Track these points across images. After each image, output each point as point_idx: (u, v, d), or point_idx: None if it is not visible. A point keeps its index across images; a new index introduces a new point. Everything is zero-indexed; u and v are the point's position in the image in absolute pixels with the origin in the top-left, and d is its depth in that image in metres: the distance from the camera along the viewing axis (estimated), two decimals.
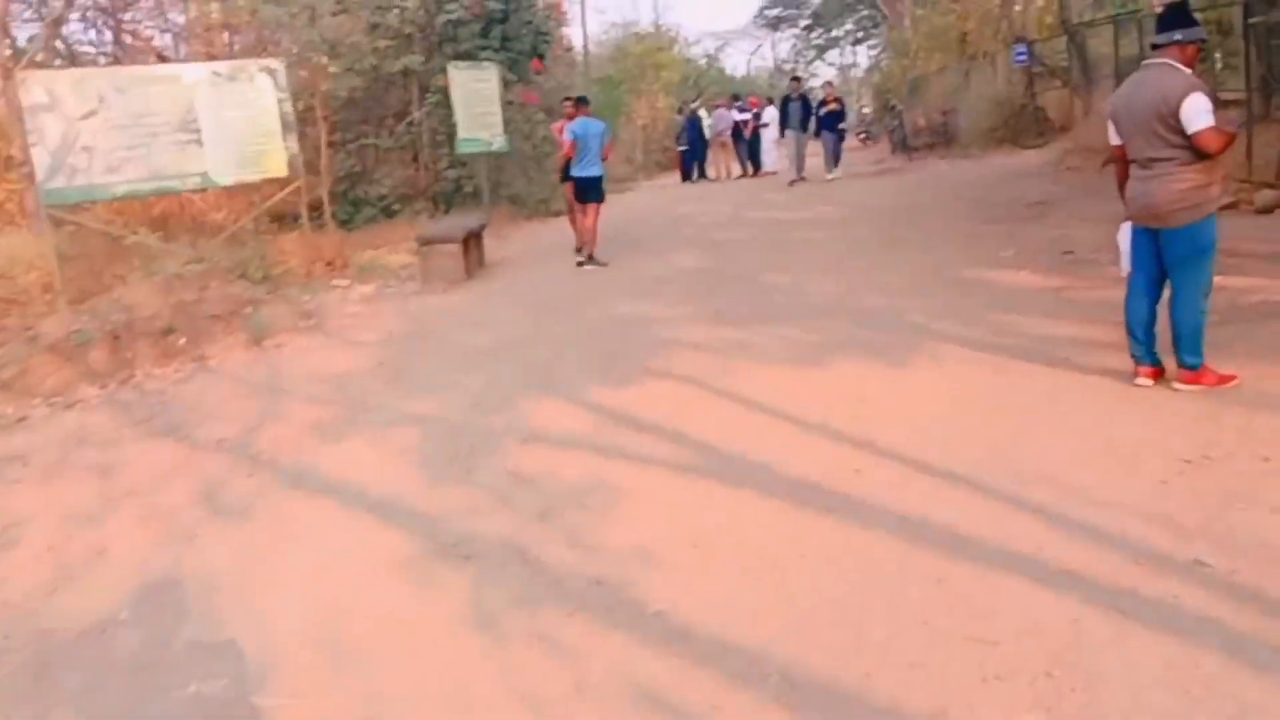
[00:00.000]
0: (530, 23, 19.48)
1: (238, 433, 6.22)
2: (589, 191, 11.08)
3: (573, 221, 11.66)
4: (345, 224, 17.52)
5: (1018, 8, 20.13)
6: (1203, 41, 4.79)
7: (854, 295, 8.11)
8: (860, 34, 45.44)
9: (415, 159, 17.92)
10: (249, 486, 5.25)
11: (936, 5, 23.19)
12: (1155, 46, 4.80)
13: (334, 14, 18.91)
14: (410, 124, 17.58)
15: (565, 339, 7.80)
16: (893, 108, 23.27)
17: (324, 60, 18.27)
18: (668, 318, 8.10)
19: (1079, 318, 6.47)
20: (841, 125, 18.79)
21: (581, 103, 11.52)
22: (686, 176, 22.60)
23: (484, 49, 18.82)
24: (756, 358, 6.52)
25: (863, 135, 30.86)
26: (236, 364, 8.06)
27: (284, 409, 6.62)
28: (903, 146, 21.53)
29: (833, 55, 49.60)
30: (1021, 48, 18.13)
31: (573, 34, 29.28)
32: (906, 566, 3.57)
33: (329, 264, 13.53)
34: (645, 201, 18.98)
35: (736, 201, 16.17)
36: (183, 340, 8.59)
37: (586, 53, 26.02)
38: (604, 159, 11.21)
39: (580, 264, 11.09)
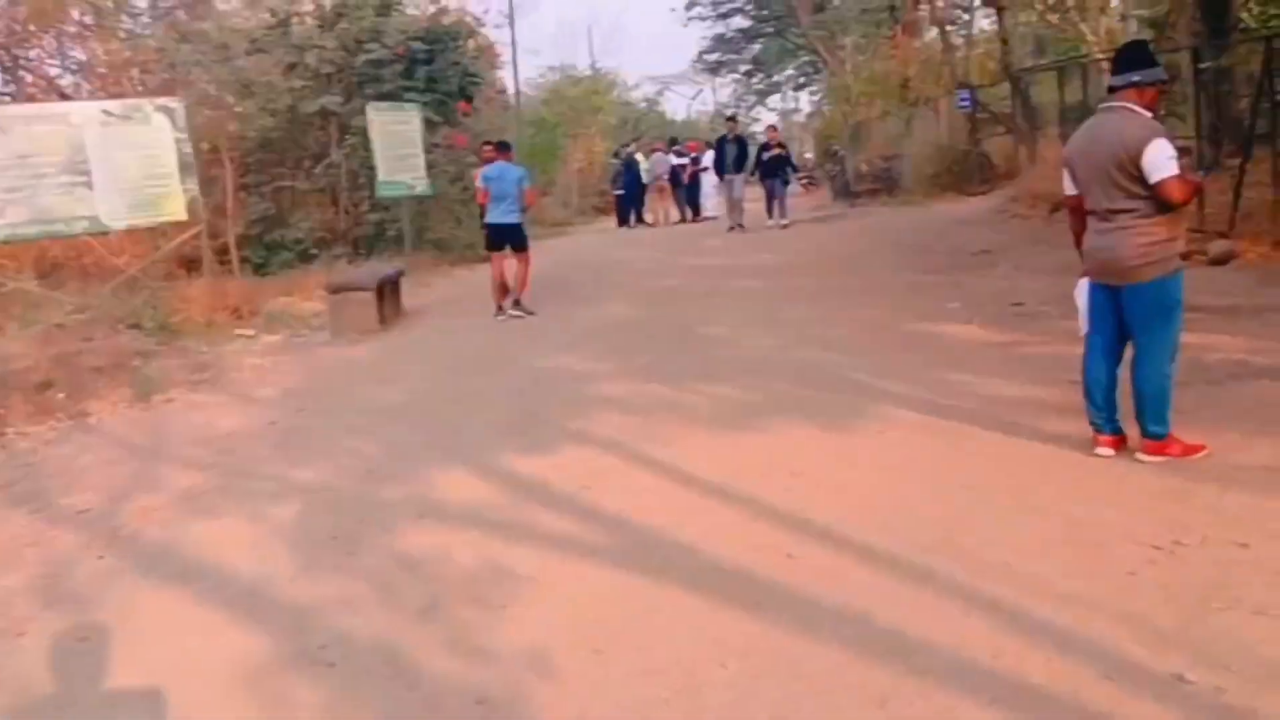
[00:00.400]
0: (458, 64, 19.03)
1: (102, 502, 5.53)
2: (504, 239, 10.52)
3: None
4: (260, 269, 16.80)
5: (959, 54, 20.21)
6: (1163, 83, 4.41)
7: (793, 349, 7.65)
8: (802, 79, 45.84)
9: (335, 202, 17.26)
10: (97, 571, 4.56)
11: (877, 51, 23.23)
12: (1112, 89, 4.40)
13: (249, 53, 18.32)
14: (329, 166, 16.95)
15: (479, 397, 7.21)
16: (834, 153, 23.19)
17: (231, 100, 17.67)
18: (593, 373, 7.56)
19: (1032, 377, 6.05)
20: (789, 169, 17.99)
21: (503, 147, 10.99)
22: (623, 221, 22.22)
23: (408, 90, 18.32)
24: (685, 419, 5.99)
25: (805, 181, 30.79)
26: (118, 422, 7.34)
27: (159, 475, 5.94)
28: (845, 192, 21.38)
29: (774, 100, 50.02)
30: (965, 93, 18.10)
31: (506, 76, 29.02)
32: (845, 681, 3.02)
33: (234, 312, 12.82)
34: (580, 246, 18.52)
35: (673, 248, 15.77)
36: (61, 395, 7.83)
37: (519, 95, 25.65)
38: (525, 207, 10.65)
39: (500, 315, 10.50)
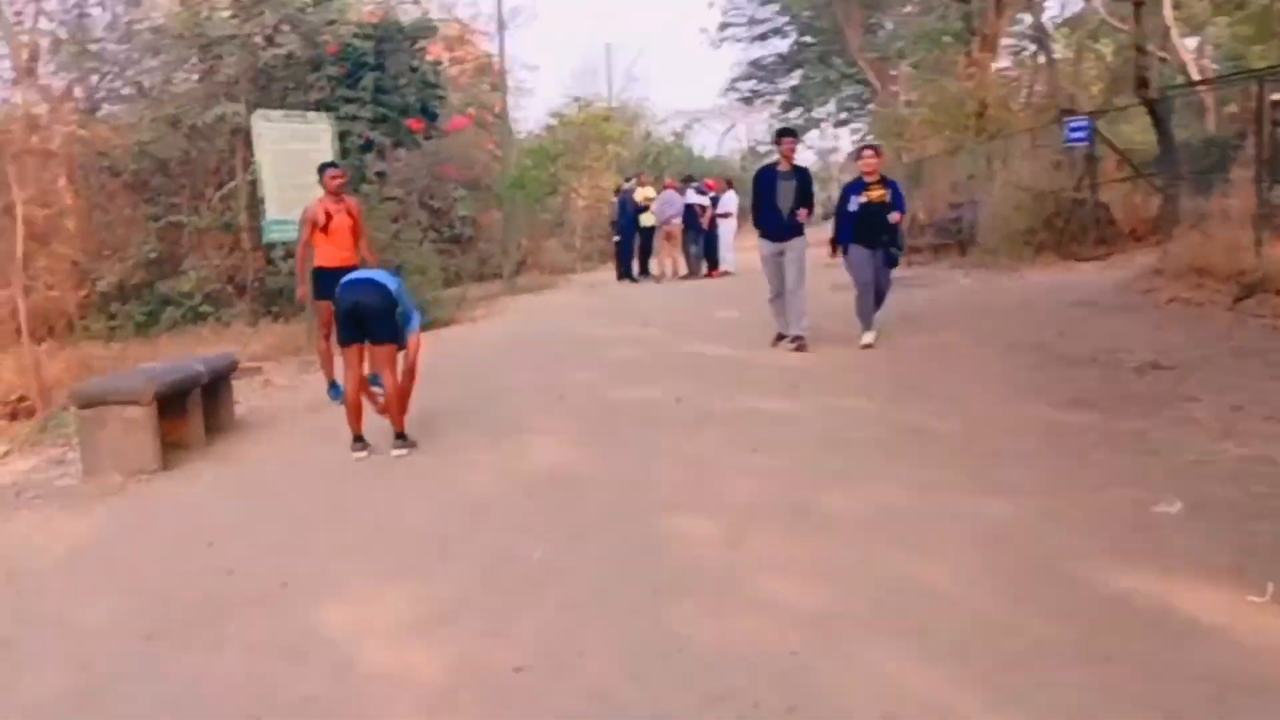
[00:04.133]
0: (416, 69, 14.95)
1: None
2: (362, 318, 6.27)
3: (327, 367, 6.86)
4: (142, 329, 12.83)
5: (1069, 69, 15.63)
6: None
7: (842, 615, 3.37)
8: (844, 115, 41.56)
9: (237, 244, 13.16)
10: None
11: (946, 73, 18.77)
12: None
13: (154, 50, 14.40)
14: (225, 196, 12.89)
15: (217, 670, 2.97)
16: None
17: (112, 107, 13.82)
18: (443, 630, 3.32)
19: None
20: (895, 234, 9.00)
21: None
22: (625, 273, 18.00)
23: (349, 101, 14.24)
24: None
25: None
26: None
27: None
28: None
29: (813, 138, 45.74)
30: (1079, 123, 13.49)
31: (511, 100, 25.02)
32: None
33: (21, 406, 8.98)
34: (554, 309, 14.25)
35: (672, 321, 11.46)
36: None
37: (505, 114, 21.57)
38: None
39: (358, 449, 6.28)
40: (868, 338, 8.76)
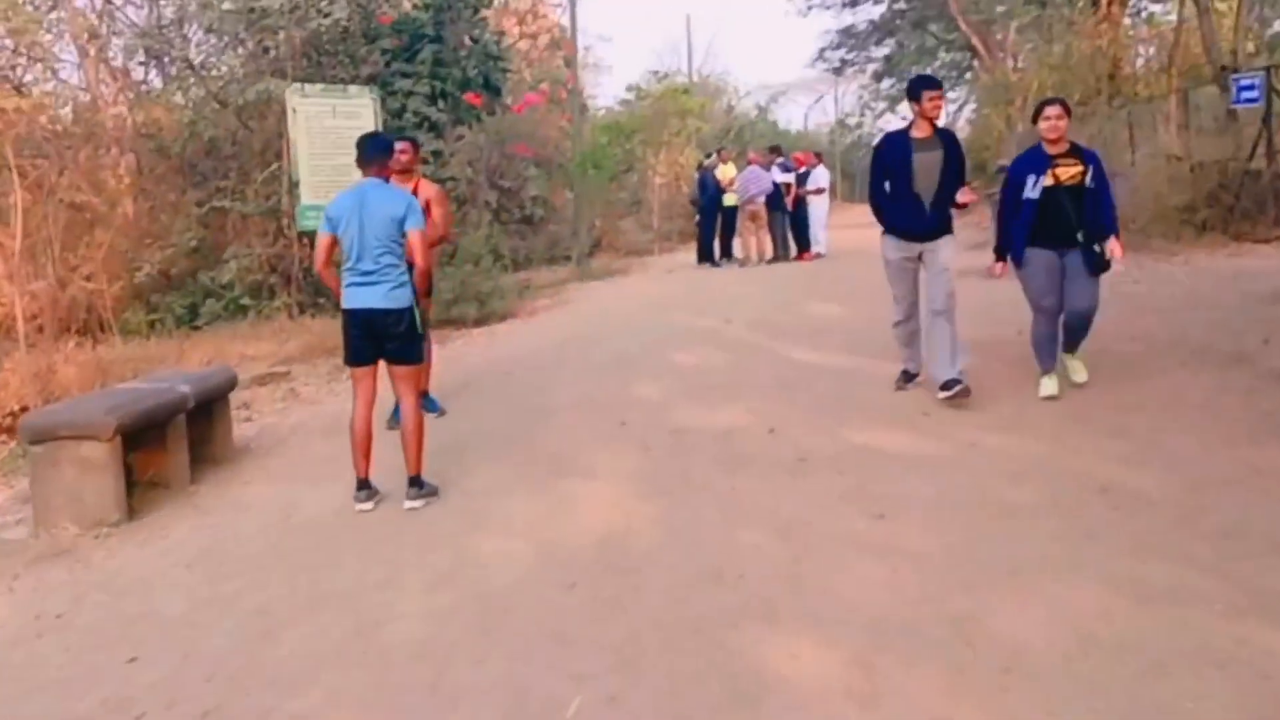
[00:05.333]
0: (477, 40, 13.57)
1: None
2: (376, 340, 4.90)
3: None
4: (184, 323, 11.86)
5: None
6: None
7: None
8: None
9: (281, 231, 11.99)
10: None
11: (1071, 27, 16.57)
12: None
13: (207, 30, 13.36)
14: (268, 180, 11.72)
15: None
16: (1001, 169, 16.63)
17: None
18: None
19: None
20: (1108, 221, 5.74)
21: (373, 149, 5.07)
22: (705, 256, 16.44)
23: (406, 75, 12.96)
24: None
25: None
26: None
27: None
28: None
29: (905, 109, 43.27)
30: (1249, 80, 11.36)
31: (587, 76, 23.61)
32: None
33: (12, 422, 7.99)
34: (625, 299, 12.77)
35: (757, 317, 9.89)
36: None
37: (578, 88, 20.08)
38: (416, 267, 4.95)
39: (362, 497, 4.90)
40: (1048, 387, 5.76)
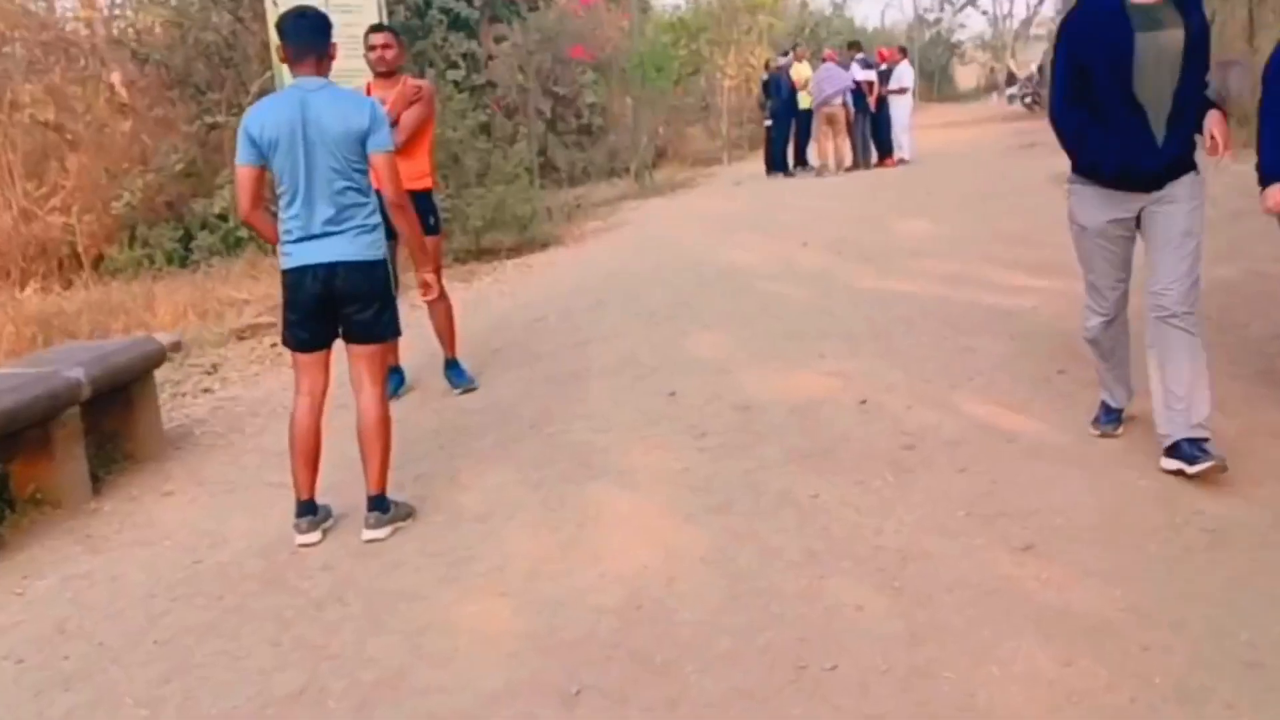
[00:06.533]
0: None
1: None
2: (326, 311, 3.57)
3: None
4: (175, 259, 10.72)
5: None
6: None
7: None
8: None
9: None
10: None
11: None
12: None
13: None
14: (266, 89, 10.45)
15: None
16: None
17: None
18: None
19: None
20: None
21: (300, 33, 3.54)
22: (776, 166, 14.89)
23: None
24: None
25: (1029, 100, 22.51)
26: None
27: None
28: None
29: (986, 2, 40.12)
30: None
31: None
32: None
33: None
34: (686, 219, 11.32)
35: (837, 238, 8.41)
36: None
37: None
38: (389, 200, 3.66)
39: (303, 527, 3.62)
40: None
